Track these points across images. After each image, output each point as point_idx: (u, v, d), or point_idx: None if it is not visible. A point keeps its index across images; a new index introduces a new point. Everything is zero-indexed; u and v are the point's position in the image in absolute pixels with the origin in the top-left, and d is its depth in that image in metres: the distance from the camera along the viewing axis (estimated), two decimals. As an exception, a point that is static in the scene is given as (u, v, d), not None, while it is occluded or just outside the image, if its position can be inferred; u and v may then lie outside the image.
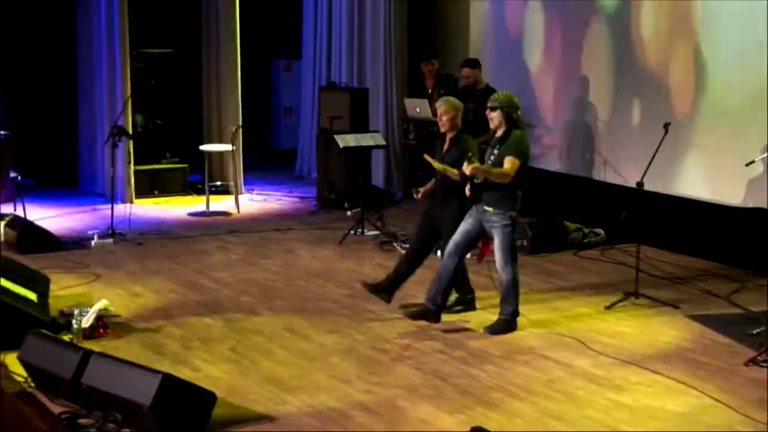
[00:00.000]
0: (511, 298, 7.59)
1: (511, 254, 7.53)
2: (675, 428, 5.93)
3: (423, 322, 7.69)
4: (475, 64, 10.82)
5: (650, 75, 10.26)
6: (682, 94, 9.89)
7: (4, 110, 12.66)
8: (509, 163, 7.34)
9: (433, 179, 8.07)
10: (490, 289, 8.28)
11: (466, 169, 7.29)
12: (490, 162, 7.49)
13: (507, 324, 7.59)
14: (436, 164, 7.74)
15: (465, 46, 12.54)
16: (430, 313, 7.62)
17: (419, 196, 8.10)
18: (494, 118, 7.49)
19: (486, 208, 7.47)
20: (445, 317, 7.87)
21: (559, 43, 11.37)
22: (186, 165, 13.04)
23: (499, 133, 7.50)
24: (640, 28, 10.33)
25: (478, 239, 7.74)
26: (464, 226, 7.61)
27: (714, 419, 6.06)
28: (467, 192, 7.51)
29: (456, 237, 7.62)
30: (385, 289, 8.18)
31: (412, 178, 12.36)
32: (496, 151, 7.49)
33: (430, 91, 11.50)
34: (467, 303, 8.14)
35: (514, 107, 7.50)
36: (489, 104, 7.55)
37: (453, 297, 8.02)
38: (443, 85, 11.35)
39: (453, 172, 7.64)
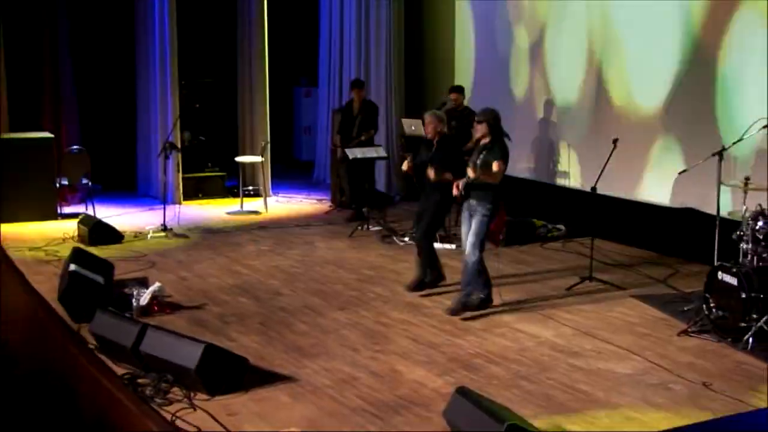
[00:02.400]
0: (478, 276, 7.45)
1: (482, 240, 7.44)
2: (621, 386, 5.95)
3: (419, 303, 7.70)
4: (461, 90, 10.86)
5: (602, 98, 10.27)
6: (625, 115, 9.90)
7: (79, 129, 12.67)
8: (497, 166, 7.31)
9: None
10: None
11: (471, 173, 7.28)
12: (477, 164, 7.49)
13: (478, 303, 7.50)
14: (433, 173, 7.78)
15: (451, 75, 12.53)
16: (482, 300, 7.50)
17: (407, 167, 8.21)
18: (480, 129, 7.49)
19: (472, 202, 7.46)
20: (437, 299, 7.89)
21: (529, 71, 11.38)
22: (224, 173, 13.03)
23: (485, 141, 7.48)
24: (594, 59, 10.35)
25: None
26: (465, 227, 7.52)
27: (652, 379, 6.09)
28: (457, 191, 7.46)
29: (467, 238, 7.48)
30: (431, 282, 8.12)
31: (408, 183, 12.38)
32: (482, 156, 7.46)
33: (356, 113, 11.26)
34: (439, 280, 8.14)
35: (497, 120, 7.51)
36: (477, 118, 7.59)
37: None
38: (371, 110, 11.26)
39: (447, 177, 7.70)
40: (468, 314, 7.42)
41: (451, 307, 7.50)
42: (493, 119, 7.47)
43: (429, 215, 8.00)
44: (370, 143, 11.13)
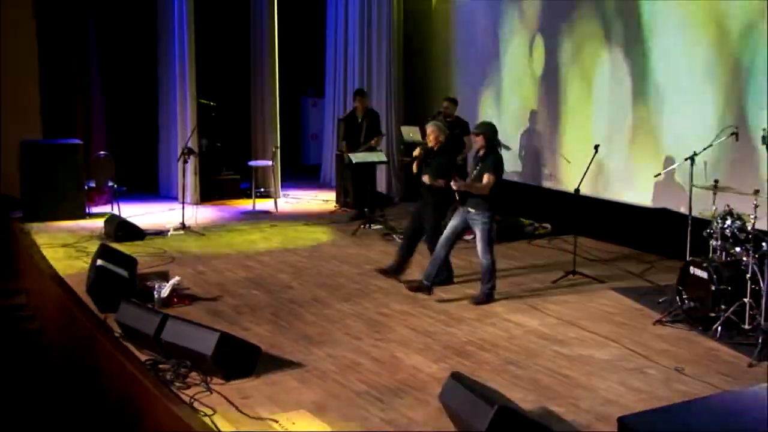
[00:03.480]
0: (489, 276, 7.52)
1: (489, 244, 7.47)
2: (601, 371, 5.96)
3: (417, 296, 7.70)
4: (454, 101, 10.86)
5: (582, 109, 10.28)
6: (606, 124, 9.91)
7: (106, 136, 12.69)
8: (486, 179, 7.33)
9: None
10: (467, 269, 8.34)
11: (454, 186, 7.33)
12: (473, 174, 7.47)
13: (487, 297, 7.53)
14: (428, 179, 7.83)
15: (446, 87, 12.54)
16: (425, 287, 7.62)
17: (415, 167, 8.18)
18: (478, 141, 7.48)
19: (469, 210, 7.45)
20: (433, 291, 7.91)
21: (516, 87, 11.39)
22: (238, 176, 13.05)
23: (481, 153, 7.48)
24: (574, 77, 10.37)
25: (464, 233, 7.71)
26: (452, 223, 7.57)
27: (630, 364, 6.10)
28: (457, 196, 7.48)
29: (447, 231, 7.59)
30: (393, 271, 8.21)
31: (407, 186, 12.37)
32: (477, 167, 7.47)
33: (360, 120, 11.28)
34: (448, 280, 8.12)
35: (494, 133, 7.50)
36: (474, 130, 7.59)
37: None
38: (375, 117, 11.29)
39: (440, 183, 7.77)
40: (462, 305, 7.44)
41: (476, 298, 7.49)
42: (489, 132, 7.47)
43: (429, 223, 8.01)
44: (373, 148, 11.14)
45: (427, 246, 8.11)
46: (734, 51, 8.33)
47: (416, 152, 8.16)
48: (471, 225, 7.50)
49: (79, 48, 12.42)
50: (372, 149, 11.08)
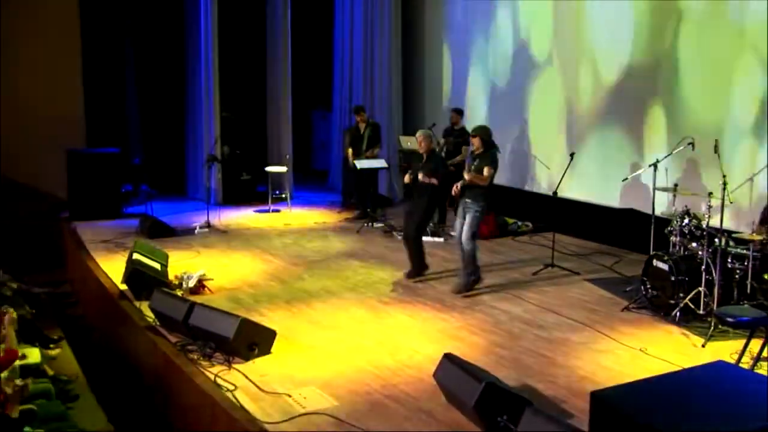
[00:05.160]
0: (471, 264, 7.51)
1: (475, 232, 7.46)
2: (576, 352, 5.97)
3: (414, 286, 7.71)
4: (460, 112, 10.86)
5: (563, 118, 10.28)
6: (582, 132, 9.92)
7: (140, 144, 12.70)
8: (487, 171, 7.34)
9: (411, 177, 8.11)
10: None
11: (467, 176, 7.34)
12: (472, 169, 7.49)
13: (467, 286, 7.49)
14: (421, 176, 7.86)
15: (440, 101, 12.54)
16: (473, 281, 7.54)
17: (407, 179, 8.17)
18: (475, 141, 7.51)
19: (467, 200, 7.46)
20: (429, 282, 7.90)
21: (507, 96, 11.40)
22: (256, 180, 13.04)
23: (478, 151, 7.50)
24: (553, 88, 10.37)
25: None
26: (459, 221, 7.53)
27: (602, 346, 6.12)
28: (455, 190, 7.45)
29: (460, 230, 7.50)
30: (417, 272, 8.10)
31: (408, 190, 12.35)
32: (476, 163, 7.48)
33: (362, 132, 11.19)
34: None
35: (488, 134, 7.52)
36: (472, 132, 7.60)
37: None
38: (375, 129, 11.25)
39: (433, 181, 7.81)
40: (455, 294, 7.44)
41: (457, 288, 7.45)
42: (485, 134, 7.50)
43: (419, 216, 8.02)
44: (374, 156, 11.15)
45: (404, 238, 8.11)
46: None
47: (406, 179, 8.09)
48: (465, 213, 7.48)
49: (118, 67, 12.45)
50: (372, 156, 11.07)
